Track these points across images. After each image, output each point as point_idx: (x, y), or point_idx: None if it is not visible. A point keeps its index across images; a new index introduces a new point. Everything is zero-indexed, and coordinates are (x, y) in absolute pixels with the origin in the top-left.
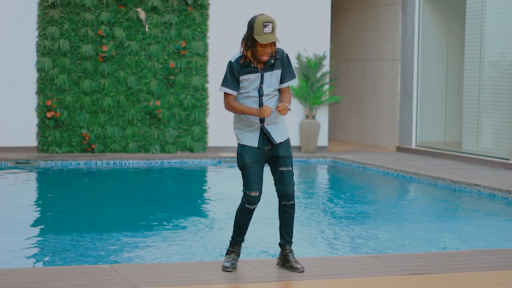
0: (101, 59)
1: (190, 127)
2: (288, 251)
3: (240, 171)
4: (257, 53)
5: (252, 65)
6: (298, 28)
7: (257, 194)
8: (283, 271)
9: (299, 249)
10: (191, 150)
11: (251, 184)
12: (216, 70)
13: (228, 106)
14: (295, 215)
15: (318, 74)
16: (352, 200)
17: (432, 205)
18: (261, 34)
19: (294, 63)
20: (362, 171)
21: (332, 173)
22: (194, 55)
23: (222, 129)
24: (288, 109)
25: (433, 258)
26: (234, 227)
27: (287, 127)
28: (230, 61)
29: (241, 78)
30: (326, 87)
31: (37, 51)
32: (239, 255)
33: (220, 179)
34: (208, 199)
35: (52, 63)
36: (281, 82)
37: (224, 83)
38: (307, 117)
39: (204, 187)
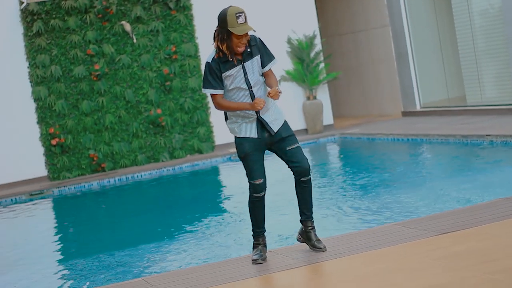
0: (95, 78)
1: (195, 129)
2: (310, 227)
3: (242, 161)
4: (233, 45)
5: (230, 59)
6: (284, 12)
7: (262, 181)
8: (313, 254)
9: (326, 227)
10: (200, 152)
11: (255, 173)
12: None
13: (219, 106)
14: (312, 191)
15: (312, 54)
16: (367, 172)
17: (447, 163)
18: (236, 26)
19: (285, 47)
20: (372, 142)
21: (343, 149)
22: (186, 57)
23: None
24: (279, 92)
25: (458, 214)
26: (251, 220)
27: (279, 109)
28: (207, 62)
29: (224, 75)
30: (322, 65)
31: (30, 81)
32: (265, 246)
33: (233, 175)
34: (225, 196)
35: (47, 90)
36: (262, 66)
37: (206, 85)
38: (308, 98)
39: (219, 185)
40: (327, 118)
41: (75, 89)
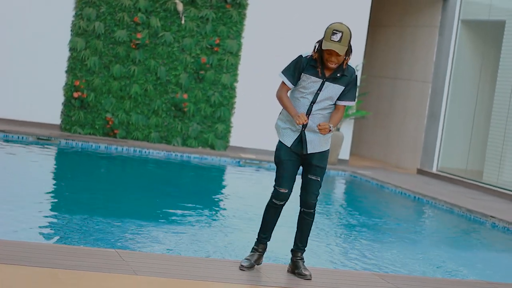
0: (134, 46)
1: (214, 124)
2: (298, 258)
3: (276, 166)
4: (324, 58)
5: (318, 68)
6: None
7: (286, 191)
8: (288, 277)
9: (306, 258)
10: (212, 147)
11: (282, 180)
12: (247, 70)
13: (278, 95)
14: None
15: None
16: (365, 216)
17: (444, 232)
18: (327, 40)
19: None
20: (380, 189)
21: (349, 188)
22: (226, 53)
23: (245, 129)
24: (330, 130)
25: (435, 283)
26: (261, 223)
27: (329, 140)
28: (300, 55)
29: (303, 75)
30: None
31: (71, 31)
32: (262, 256)
33: (238, 180)
34: (223, 197)
35: (85, 44)
36: (339, 98)
37: (285, 72)
38: None
39: (221, 186)
40: (344, 152)
41: (112, 50)
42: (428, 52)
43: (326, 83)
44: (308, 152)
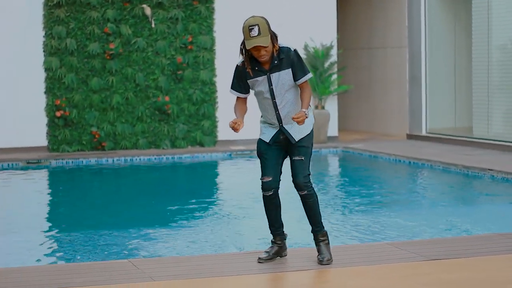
0: (108, 57)
1: (200, 121)
2: (319, 241)
3: (259, 160)
4: (255, 56)
5: (256, 68)
6: (304, 18)
7: (270, 179)
8: (302, 260)
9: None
10: (202, 145)
11: (264, 170)
12: (223, 64)
13: (234, 107)
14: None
15: (326, 64)
16: (365, 188)
17: (446, 191)
18: (248, 39)
19: (301, 53)
20: (374, 160)
21: (344, 163)
22: (201, 49)
23: None
24: (306, 115)
25: (449, 243)
26: (266, 217)
27: (311, 118)
28: (236, 65)
29: (249, 81)
30: (334, 77)
31: (44, 51)
32: (281, 247)
33: (232, 172)
34: (221, 192)
35: (59, 62)
36: (296, 79)
37: (232, 87)
38: (316, 107)
39: (216, 181)
40: (332, 129)
41: (87, 64)
42: (399, 16)
43: (272, 76)
44: (297, 139)
